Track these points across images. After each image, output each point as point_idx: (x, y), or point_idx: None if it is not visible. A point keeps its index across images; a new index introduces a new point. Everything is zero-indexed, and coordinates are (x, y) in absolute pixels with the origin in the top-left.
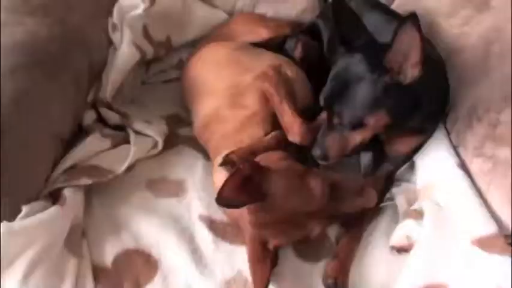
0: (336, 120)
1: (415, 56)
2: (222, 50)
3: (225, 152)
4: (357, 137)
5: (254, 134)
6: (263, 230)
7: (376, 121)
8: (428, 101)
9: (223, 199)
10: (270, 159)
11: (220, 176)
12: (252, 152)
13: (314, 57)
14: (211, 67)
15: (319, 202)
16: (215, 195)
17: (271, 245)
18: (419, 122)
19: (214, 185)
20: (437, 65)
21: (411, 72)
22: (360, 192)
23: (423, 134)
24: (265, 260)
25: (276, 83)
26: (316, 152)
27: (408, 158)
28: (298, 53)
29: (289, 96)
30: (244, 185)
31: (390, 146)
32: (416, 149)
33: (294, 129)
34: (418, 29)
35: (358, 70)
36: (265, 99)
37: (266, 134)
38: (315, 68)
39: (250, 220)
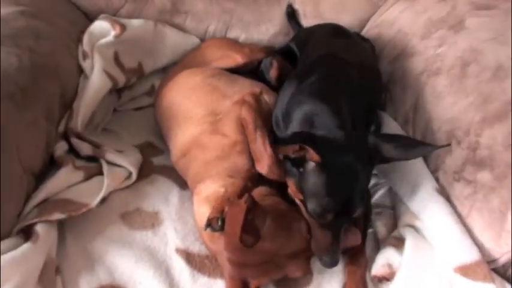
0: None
1: None
2: (198, 77)
3: (208, 180)
4: None
5: (238, 162)
6: (243, 270)
7: None
8: None
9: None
10: (254, 194)
11: (203, 210)
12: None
13: None
14: (187, 94)
15: (303, 243)
16: (195, 227)
17: (252, 286)
18: None
19: (196, 218)
20: None
21: None
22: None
23: None
24: None
25: (254, 110)
26: (327, 263)
27: None
28: (273, 71)
29: (265, 125)
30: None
31: None
32: None
33: (264, 160)
34: None
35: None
36: (242, 127)
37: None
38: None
39: (229, 259)
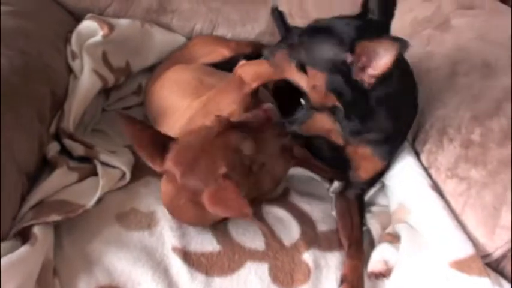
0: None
1: (376, 67)
2: (187, 72)
3: None
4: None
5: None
6: None
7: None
8: (386, 117)
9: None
10: None
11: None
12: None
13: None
14: (175, 89)
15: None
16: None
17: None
18: (375, 138)
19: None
20: (407, 88)
21: (367, 78)
22: None
23: (381, 160)
24: None
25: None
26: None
27: (370, 184)
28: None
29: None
30: None
31: (353, 172)
32: (378, 176)
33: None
34: (398, 53)
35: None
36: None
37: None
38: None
39: None
